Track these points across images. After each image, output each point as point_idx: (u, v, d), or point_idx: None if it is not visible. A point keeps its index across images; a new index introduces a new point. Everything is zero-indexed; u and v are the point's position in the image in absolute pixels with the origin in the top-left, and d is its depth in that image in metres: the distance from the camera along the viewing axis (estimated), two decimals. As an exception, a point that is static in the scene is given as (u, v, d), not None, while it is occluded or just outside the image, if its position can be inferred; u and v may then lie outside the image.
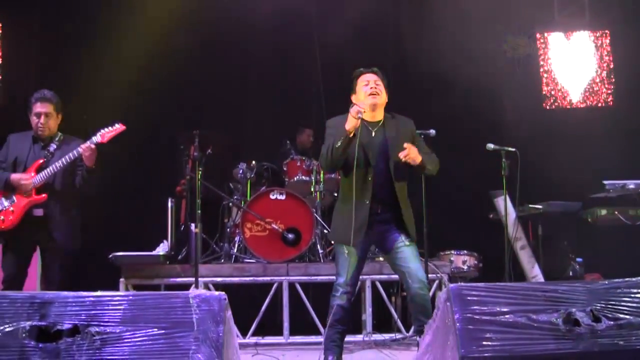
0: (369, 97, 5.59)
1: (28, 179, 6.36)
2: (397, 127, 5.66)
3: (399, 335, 7.43)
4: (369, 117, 5.64)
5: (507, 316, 3.98)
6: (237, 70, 9.89)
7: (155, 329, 3.79)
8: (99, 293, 3.93)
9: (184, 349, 3.70)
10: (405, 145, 5.44)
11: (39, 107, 6.50)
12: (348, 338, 7.09)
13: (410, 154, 5.42)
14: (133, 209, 9.03)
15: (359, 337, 7.46)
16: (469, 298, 4.04)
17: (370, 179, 5.52)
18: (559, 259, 8.80)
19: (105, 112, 8.09)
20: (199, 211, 7.22)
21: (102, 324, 3.79)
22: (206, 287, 7.37)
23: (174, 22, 9.45)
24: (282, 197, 7.95)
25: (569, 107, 10.32)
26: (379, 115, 5.69)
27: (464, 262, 8.28)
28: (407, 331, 7.48)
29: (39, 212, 6.40)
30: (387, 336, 7.47)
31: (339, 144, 5.42)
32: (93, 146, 6.30)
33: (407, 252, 5.57)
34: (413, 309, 5.64)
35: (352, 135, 5.39)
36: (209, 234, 8.39)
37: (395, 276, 6.16)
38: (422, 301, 5.51)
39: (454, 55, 9.21)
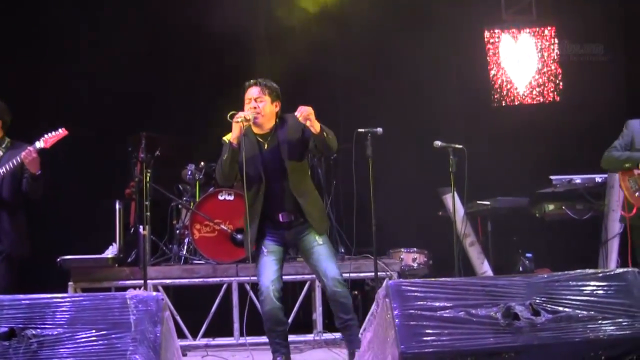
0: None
1: None
2: (286, 130, 5.68)
3: (349, 334, 7.44)
4: (258, 130, 5.69)
5: (446, 311, 4.02)
6: (186, 71, 9.81)
7: (94, 331, 3.78)
8: (35, 296, 3.90)
9: (121, 350, 3.70)
10: (299, 109, 5.38)
11: None
12: (299, 338, 7.19)
13: (304, 112, 5.33)
14: (82, 212, 8.92)
15: (309, 337, 7.47)
16: (408, 294, 4.07)
17: (261, 193, 5.60)
18: (508, 255, 8.89)
19: (52, 116, 8.03)
20: (148, 213, 7.18)
21: (39, 326, 3.77)
22: (155, 289, 7.33)
23: (122, 25, 9.38)
24: (231, 198, 7.90)
25: (515, 103, 10.37)
26: (269, 124, 5.70)
27: (414, 260, 8.31)
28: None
29: None
30: (337, 335, 7.44)
31: (226, 156, 5.50)
32: (34, 153, 6.19)
33: (319, 251, 5.67)
34: (332, 307, 5.69)
35: (237, 145, 5.46)
36: (158, 236, 8.33)
37: (346, 274, 6.13)
38: (339, 298, 5.58)
39: (401, 53, 9.25)
